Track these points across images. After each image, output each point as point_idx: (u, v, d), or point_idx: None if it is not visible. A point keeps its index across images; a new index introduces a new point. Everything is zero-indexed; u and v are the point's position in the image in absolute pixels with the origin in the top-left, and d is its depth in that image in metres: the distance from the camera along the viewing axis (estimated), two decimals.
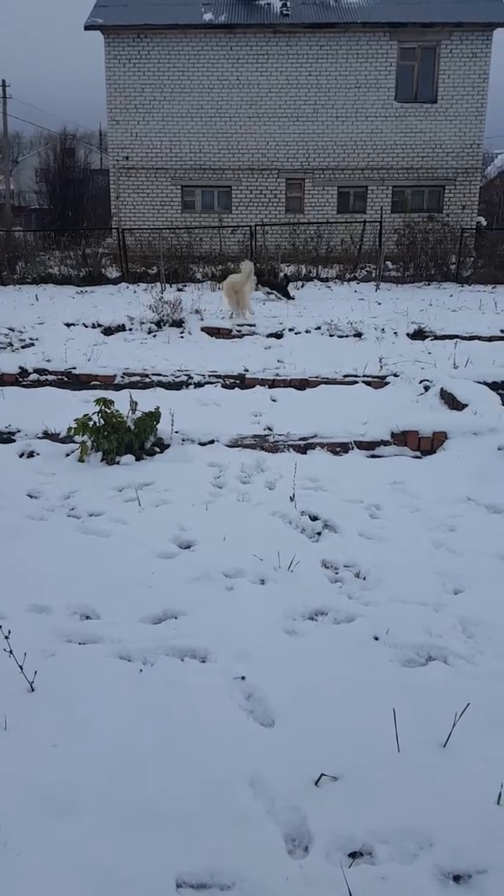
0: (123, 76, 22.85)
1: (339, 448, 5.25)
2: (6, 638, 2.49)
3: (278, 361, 8.33)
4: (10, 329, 10.14)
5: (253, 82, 22.70)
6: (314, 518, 4.05)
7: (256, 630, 2.88)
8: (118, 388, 7.10)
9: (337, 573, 3.44)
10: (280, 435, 5.53)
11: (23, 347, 9.24)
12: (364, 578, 3.37)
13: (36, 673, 2.52)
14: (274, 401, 6.66)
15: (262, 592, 3.22)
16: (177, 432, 5.37)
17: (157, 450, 5.22)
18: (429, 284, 17.16)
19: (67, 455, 5.08)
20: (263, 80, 22.68)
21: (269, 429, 5.80)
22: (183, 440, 5.35)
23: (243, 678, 2.56)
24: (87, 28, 22.51)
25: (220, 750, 2.23)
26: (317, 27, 22.15)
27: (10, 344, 9.33)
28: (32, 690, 2.49)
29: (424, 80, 22.77)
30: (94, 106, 63.71)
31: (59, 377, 7.61)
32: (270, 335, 10.25)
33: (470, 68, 22.52)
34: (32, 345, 9.43)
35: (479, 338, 9.64)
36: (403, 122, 22.91)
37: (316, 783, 2.10)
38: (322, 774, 2.12)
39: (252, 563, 3.47)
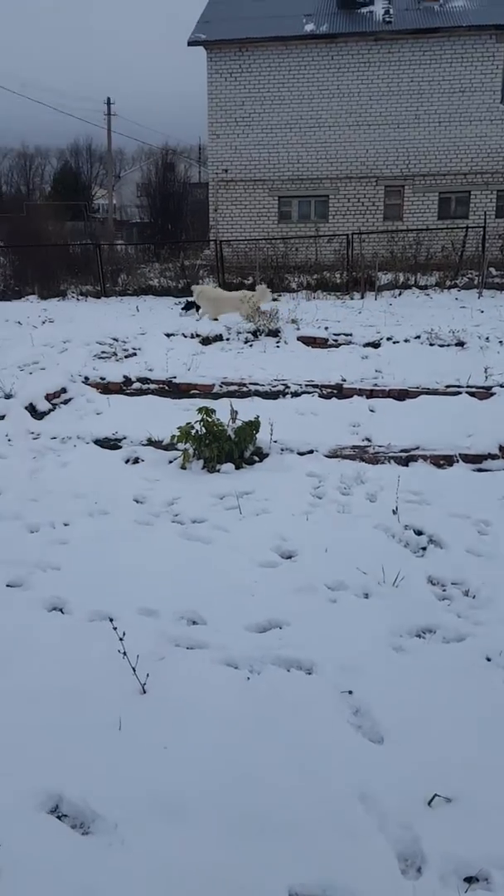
0: (225, 90, 23.30)
1: (442, 461, 5.14)
2: (121, 640, 2.57)
3: (376, 371, 8.22)
4: (114, 339, 10.50)
5: (353, 91, 22.62)
6: (419, 532, 3.97)
7: (362, 645, 2.86)
8: (216, 396, 7.22)
9: (444, 590, 3.36)
10: (380, 446, 5.47)
11: (126, 357, 9.54)
12: (473, 597, 3.28)
13: (148, 675, 2.59)
14: (372, 411, 6.59)
15: (367, 606, 3.19)
16: (275, 441, 5.40)
17: (256, 459, 5.27)
18: None
19: (170, 462, 5.21)
20: (364, 88, 22.56)
21: (368, 440, 5.74)
22: (282, 450, 5.38)
23: (350, 692, 2.55)
24: (190, 44, 23.10)
25: (329, 763, 2.23)
26: (420, 32, 21.86)
27: (115, 353, 9.66)
28: (144, 692, 2.57)
29: None
30: (194, 120, 65.28)
31: (161, 386, 7.82)
32: (367, 344, 10.14)
33: None
34: (135, 354, 9.73)
35: None
36: None
37: (429, 803, 2.06)
38: (435, 795, 2.07)
39: (355, 577, 3.44)
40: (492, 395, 6.80)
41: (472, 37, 21.73)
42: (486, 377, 7.33)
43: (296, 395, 7.34)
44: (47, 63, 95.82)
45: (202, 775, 2.21)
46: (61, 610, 3.18)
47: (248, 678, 2.65)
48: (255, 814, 2.06)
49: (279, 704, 2.49)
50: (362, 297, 16.00)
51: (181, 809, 2.09)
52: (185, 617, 3.12)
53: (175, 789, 2.16)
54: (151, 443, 5.68)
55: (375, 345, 10.07)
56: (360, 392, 7.23)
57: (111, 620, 2.77)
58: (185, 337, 11.17)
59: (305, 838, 1.97)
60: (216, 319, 12.10)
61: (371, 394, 7.18)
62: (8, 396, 6.71)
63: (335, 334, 10.68)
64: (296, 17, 23.00)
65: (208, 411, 5.18)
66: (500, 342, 9.57)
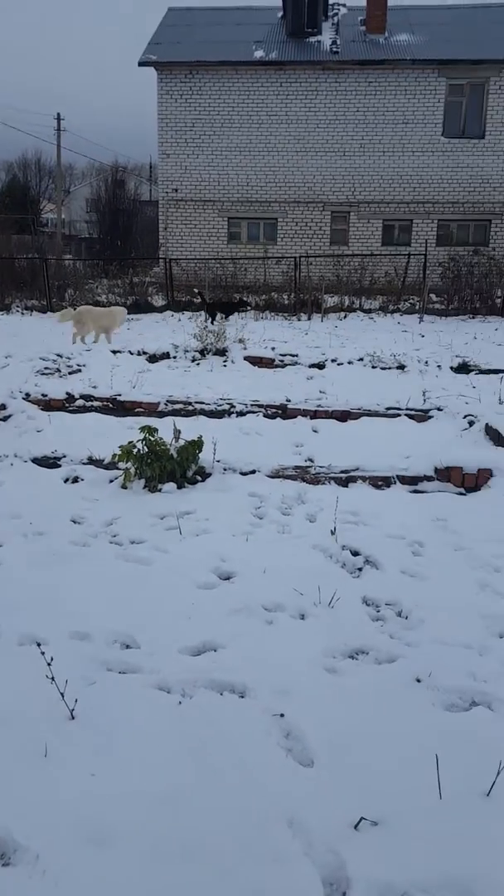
0: (175, 111, 23.48)
1: (381, 482, 5.22)
2: (48, 665, 2.52)
3: (320, 392, 8.33)
4: (58, 355, 10.37)
5: (301, 118, 23.10)
6: (355, 553, 4.02)
7: (296, 667, 2.86)
8: (161, 415, 7.19)
9: (378, 611, 3.40)
10: (321, 467, 5.53)
11: (70, 373, 9.43)
12: (406, 618, 3.33)
13: (77, 701, 2.54)
14: (316, 432, 6.67)
15: (303, 628, 3.21)
16: (218, 461, 5.40)
17: (199, 478, 5.26)
18: (473, 318, 17.04)
19: (111, 481, 5.16)
20: (311, 116, 23.06)
21: (311, 460, 5.80)
22: (224, 469, 5.38)
23: (282, 715, 2.55)
24: (141, 64, 23.24)
25: (258, 788, 2.22)
26: (366, 64, 22.51)
27: (59, 370, 9.54)
28: (73, 718, 2.51)
29: (472, 115, 22.86)
30: (144, 139, 65.46)
31: (105, 403, 7.74)
32: (312, 365, 10.28)
33: None
34: (79, 371, 9.63)
35: None
36: (450, 157, 22.99)
37: (355, 827, 2.07)
38: (362, 818, 2.08)
39: (292, 598, 3.45)
40: (429, 417, 6.97)
41: (416, 71, 22.49)
42: (425, 400, 7.50)
43: (241, 414, 7.36)
44: None
45: (130, 802, 2.17)
46: None
47: (180, 702, 2.63)
48: (182, 840, 2.04)
49: (210, 729, 2.47)
50: (309, 319, 16.24)
51: (108, 837, 2.05)
52: (119, 640, 3.08)
53: (102, 817, 2.12)
54: (92, 462, 5.61)
55: (320, 366, 10.22)
56: (304, 412, 7.30)
57: (38, 645, 2.71)
58: (132, 354, 11.13)
59: (233, 864, 1.95)
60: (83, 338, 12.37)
61: (315, 414, 7.26)
62: None
63: (282, 355, 10.80)
64: (246, 43, 23.42)
65: (150, 430, 5.16)
66: (439, 366, 9.83)
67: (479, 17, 24.26)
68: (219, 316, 14.52)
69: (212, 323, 14.15)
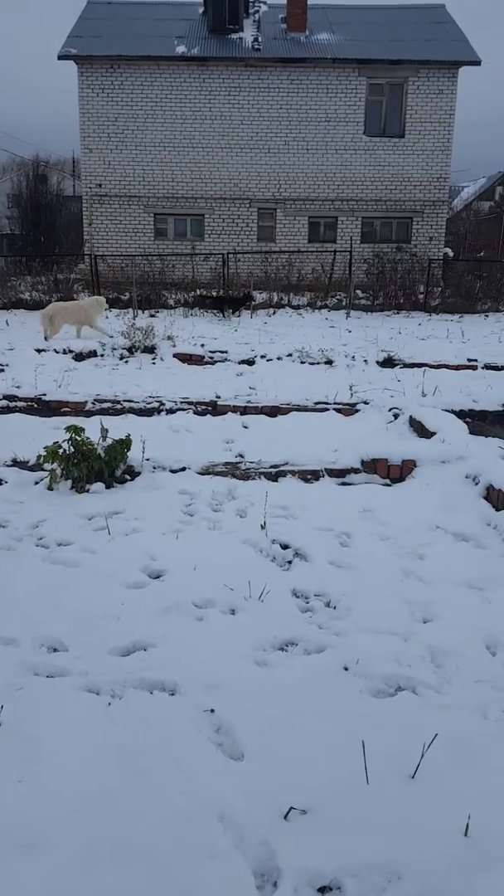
0: (97, 105, 23.10)
1: (309, 475, 5.29)
2: None
3: (250, 388, 8.38)
4: None
5: (225, 114, 23.10)
6: (285, 546, 4.06)
7: (226, 661, 2.87)
8: (89, 414, 7.08)
9: (307, 602, 3.45)
10: (251, 462, 5.55)
11: None
12: (334, 608, 3.38)
13: (2, 707, 2.48)
14: (246, 428, 6.70)
15: (233, 623, 3.22)
16: (148, 459, 5.36)
17: (128, 477, 5.20)
18: (398, 313, 17.47)
19: (36, 483, 5.04)
20: (235, 112, 23.09)
21: (241, 456, 5.83)
22: (154, 468, 5.34)
23: (212, 711, 2.55)
24: (60, 58, 22.75)
25: (189, 784, 2.21)
26: (287, 62, 22.68)
27: None
28: None
29: (392, 115, 23.38)
30: (67, 133, 64.11)
31: (29, 404, 7.57)
32: (242, 362, 10.33)
33: (436, 104, 23.19)
34: (2, 370, 9.38)
35: (447, 366, 9.82)
36: (372, 156, 23.44)
37: (285, 817, 2.09)
38: (291, 808, 2.11)
39: (223, 593, 3.46)
40: (357, 411, 7.11)
41: (337, 69, 22.83)
42: (352, 394, 7.65)
43: (171, 411, 7.33)
44: None
45: (59, 806, 2.14)
46: None
47: (110, 703, 2.59)
48: (115, 842, 2.02)
49: (140, 728, 2.45)
50: (238, 316, 16.28)
51: (38, 842, 2.01)
52: (46, 644, 3.02)
53: (31, 823, 2.08)
54: (16, 463, 5.47)
55: (250, 362, 10.28)
56: (234, 409, 7.33)
57: None
58: (58, 353, 10.92)
59: (164, 862, 1.95)
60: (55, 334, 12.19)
61: (245, 410, 7.30)
62: None
63: (211, 352, 10.80)
64: (167, 39, 23.25)
65: (77, 430, 5.06)
66: (365, 361, 10.04)
67: (396, 17, 24.81)
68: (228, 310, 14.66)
69: (224, 317, 14.17)
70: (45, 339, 11.89)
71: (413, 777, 2.25)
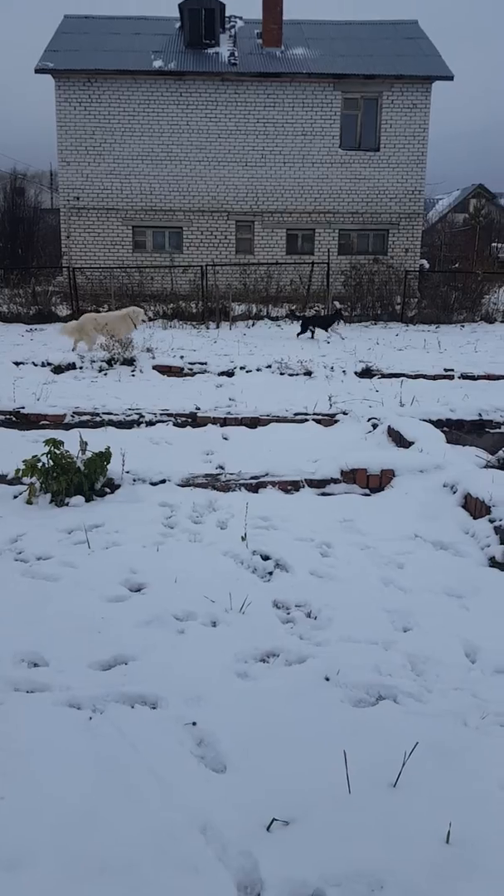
0: (74, 119, 23.12)
1: (290, 486, 5.31)
2: None
3: (230, 400, 8.40)
4: None
5: (202, 128, 23.24)
6: (266, 557, 4.07)
7: (208, 674, 2.87)
8: (68, 427, 7.06)
9: (288, 613, 3.46)
10: (232, 474, 5.57)
11: None
12: (315, 618, 3.40)
13: None
14: (226, 439, 6.72)
15: (214, 635, 3.22)
16: (128, 472, 5.35)
17: (108, 490, 5.19)
18: (375, 324, 17.62)
19: (15, 497, 5.02)
20: (213, 126, 23.23)
21: (221, 467, 5.84)
22: (134, 480, 5.33)
23: (194, 724, 2.55)
24: (37, 71, 22.76)
25: (172, 798, 2.21)
26: (264, 76, 22.89)
27: None
28: None
29: (368, 129, 23.66)
30: (44, 146, 64.03)
31: (7, 417, 7.52)
32: (222, 373, 10.36)
33: (410, 118, 23.51)
34: None
35: (424, 376, 9.93)
36: (348, 169, 23.69)
37: (268, 828, 2.10)
38: (273, 819, 2.11)
39: (203, 605, 3.46)
40: (336, 421, 7.16)
41: (313, 84, 23.08)
42: (331, 405, 7.70)
43: (150, 424, 7.33)
44: None
45: (42, 822, 2.12)
46: None
47: (91, 718, 2.58)
48: (98, 856, 2.01)
49: (122, 742, 2.44)
50: (217, 327, 16.34)
51: (21, 859, 2.00)
52: (27, 659, 3.00)
53: (13, 840, 2.06)
54: None
55: (230, 374, 10.31)
56: (214, 420, 7.35)
57: None
58: (36, 366, 10.87)
59: (148, 876, 1.94)
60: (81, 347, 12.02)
61: (224, 422, 7.32)
62: None
63: (191, 363, 10.82)
64: (144, 53, 23.38)
65: (56, 443, 5.05)
66: (344, 372, 10.11)
67: (370, 33, 25.17)
68: (316, 330, 14.49)
69: (310, 338, 13.95)
70: (73, 349, 11.84)
71: (394, 785, 2.27)
